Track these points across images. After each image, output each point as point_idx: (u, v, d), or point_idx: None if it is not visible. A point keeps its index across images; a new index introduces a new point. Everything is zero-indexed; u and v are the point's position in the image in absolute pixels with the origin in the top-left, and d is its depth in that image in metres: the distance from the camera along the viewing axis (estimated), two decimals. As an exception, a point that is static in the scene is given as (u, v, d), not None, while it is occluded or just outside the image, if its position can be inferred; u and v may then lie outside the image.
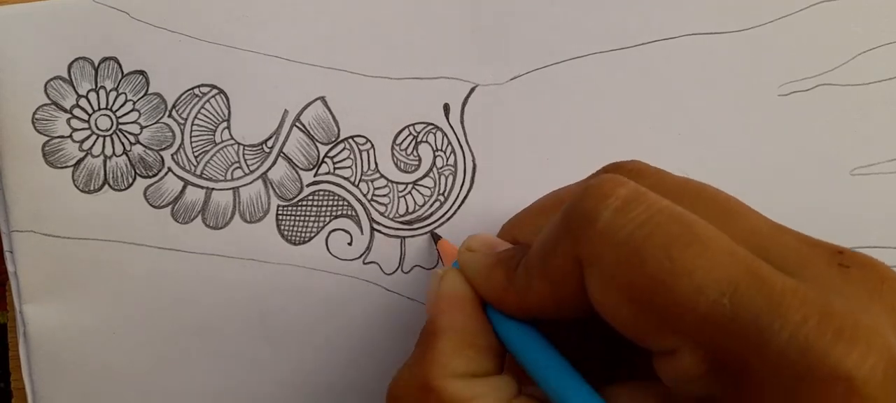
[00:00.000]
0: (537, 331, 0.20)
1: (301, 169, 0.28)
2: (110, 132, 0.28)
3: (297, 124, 0.28)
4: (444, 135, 0.28)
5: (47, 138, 0.28)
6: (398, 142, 0.28)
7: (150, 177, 0.28)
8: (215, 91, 0.28)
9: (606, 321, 0.18)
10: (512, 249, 0.22)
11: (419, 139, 0.28)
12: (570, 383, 0.18)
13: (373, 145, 0.28)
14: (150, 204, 0.28)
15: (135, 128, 0.28)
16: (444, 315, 0.21)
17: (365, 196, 0.28)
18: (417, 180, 0.28)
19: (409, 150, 0.28)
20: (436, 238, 0.28)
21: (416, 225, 0.28)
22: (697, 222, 0.17)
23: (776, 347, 0.15)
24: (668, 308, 0.16)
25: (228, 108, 0.28)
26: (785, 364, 0.15)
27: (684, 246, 0.16)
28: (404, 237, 0.28)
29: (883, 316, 0.16)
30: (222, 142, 0.28)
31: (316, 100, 0.28)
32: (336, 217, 0.28)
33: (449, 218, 0.28)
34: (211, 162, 0.28)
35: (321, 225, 0.28)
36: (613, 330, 0.18)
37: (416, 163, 0.28)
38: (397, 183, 0.28)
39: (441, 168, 0.28)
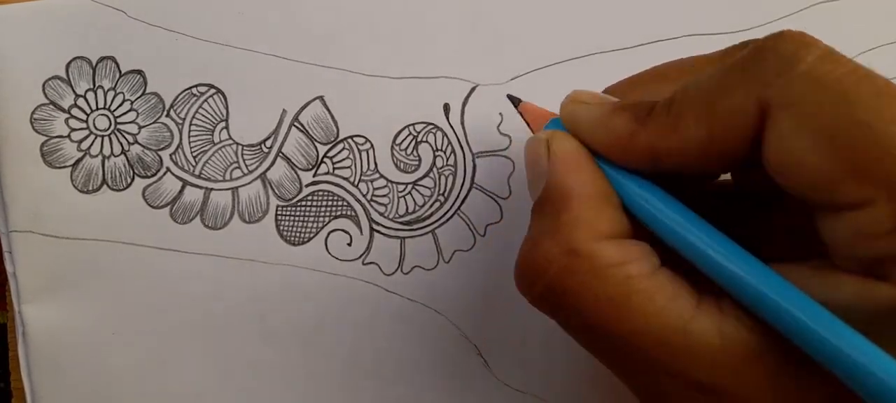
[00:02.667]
0: (666, 194, 0.19)
1: (300, 169, 0.28)
2: (108, 132, 0.28)
3: (296, 124, 0.28)
4: (444, 134, 0.28)
5: (46, 138, 0.28)
6: (398, 141, 0.28)
7: (148, 177, 0.28)
8: (213, 90, 0.28)
9: (777, 174, 0.17)
10: (637, 100, 0.20)
11: (419, 139, 0.28)
12: (720, 244, 0.17)
13: (372, 145, 0.28)
14: (149, 205, 0.28)
15: (133, 128, 0.28)
16: (570, 174, 0.19)
17: (364, 196, 0.28)
18: (417, 180, 0.28)
19: (409, 150, 0.28)
20: (515, 101, 0.25)
21: (415, 226, 0.28)
22: (884, 79, 0.16)
23: None
24: (873, 154, 0.15)
25: (226, 108, 0.28)
26: None
27: (893, 97, 0.15)
28: (404, 237, 0.28)
29: None
30: (221, 142, 0.28)
31: (314, 99, 0.28)
32: (335, 217, 0.28)
33: (449, 219, 0.28)
34: (209, 162, 0.28)
35: (320, 225, 0.28)
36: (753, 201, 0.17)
37: (416, 163, 0.28)
38: (397, 183, 0.28)
39: (441, 168, 0.28)
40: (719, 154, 0.18)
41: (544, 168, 0.20)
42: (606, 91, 0.23)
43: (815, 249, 0.17)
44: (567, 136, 0.20)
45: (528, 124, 0.24)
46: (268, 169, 0.28)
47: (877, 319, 0.16)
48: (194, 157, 0.28)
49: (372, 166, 0.28)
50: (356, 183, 0.28)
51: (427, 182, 0.28)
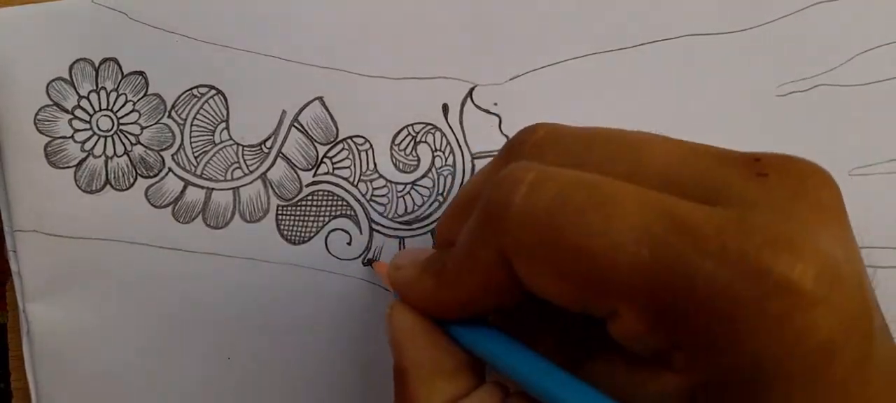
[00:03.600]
0: (500, 331, 0.20)
1: (300, 169, 0.28)
2: (111, 133, 0.28)
3: (296, 124, 0.28)
4: (443, 135, 0.28)
5: (49, 138, 0.28)
6: (397, 142, 0.28)
7: (150, 177, 0.28)
8: (213, 91, 0.28)
9: (547, 300, 0.18)
10: (433, 254, 0.22)
11: (418, 139, 0.28)
12: (544, 374, 0.18)
13: (371, 145, 0.28)
14: (152, 204, 0.28)
15: (135, 129, 0.28)
16: (403, 351, 0.21)
17: (364, 196, 0.29)
18: (416, 180, 0.29)
19: (408, 150, 0.28)
20: (370, 263, 0.28)
21: (415, 226, 0.29)
22: (604, 182, 0.16)
23: (702, 282, 0.15)
24: (593, 273, 0.16)
25: (227, 109, 0.28)
26: (716, 297, 0.15)
27: (595, 209, 0.16)
28: (403, 237, 0.29)
29: (809, 215, 0.15)
30: (221, 142, 0.28)
31: (314, 100, 0.28)
32: (335, 217, 0.29)
33: (447, 219, 0.29)
34: (211, 162, 0.28)
35: (320, 225, 0.29)
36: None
37: (415, 163, 0.28)
38: (396, 183, 0.29)
39: (440, 168, 0.28)
40: (503, 295, 0.19)
41: (390, 342, 0.22)
42: (437, 230, 0.25)
43: None
44: (403, 309, 0.21)
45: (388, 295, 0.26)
46: (268, 169, 0.28)
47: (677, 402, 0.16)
48: (196, 158, 0.28)
49: (371, 166, 0.28)
50: (356, 183, 0.29)
51: (426, 182, 0.28)
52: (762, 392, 0.15)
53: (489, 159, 0.28)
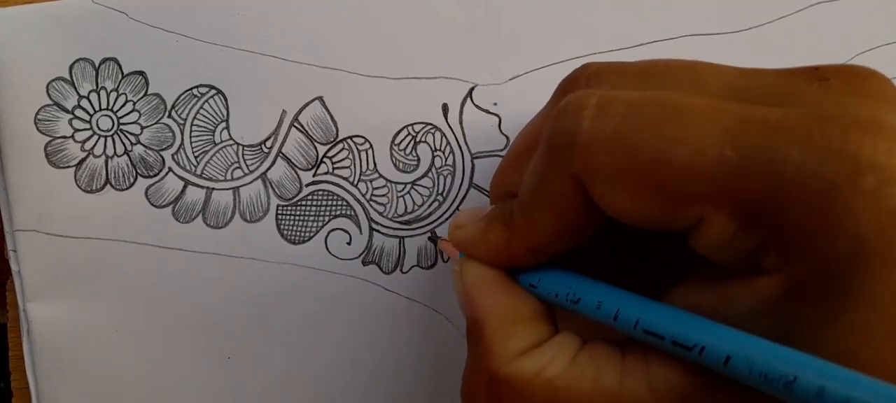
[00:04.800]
0: (572, 272, 0.20)
1: (300, 169, 0.28)
2: (111, 132, 0.28)
3: (296, 124, 0.28)
4: (443, 135, 0.28)
5: (50, 138, 0.28)
6: (397, 142, 0.28)
7: (151, 176, 0.28)
8: (213, 91, 0.28)
9: (627, 223, 0.18)
10: (495, 206, 0.22)
11: (418, 139, 0.28)
12: (625, 304, 0.18)
13: (371, 145, 0.28)
14: (152, 204, 0.28)
15: (135, 129, 0.28)
16: (478, 303, 0.20)
17: (364, 196, 0.29)
18: (416, 180, 0.29)
19: (408, 150, 0.28)
20: (435, 239, 0.28)
21: (414, 225, 0.29)
22: (673, 96, 0.17)
23: (793, 171, 0.15)
24: (678, 182, 0.16)
25: (227, 109, 0.28)
26: (808, 183, 0.15)
27: (670, 121, 0.16)
28: (403, 237, 0.29)
29: (878, 104, 0.16)
30: (222, 142, 0.28)
31: (314, 100, 0.28)
32: (335, 216, 0.29)
33: (448, 219, 0.28)
34: (211, 162, 0.28)
35: (320, 224, 0.29)
36: (641, 233, 0.18)
37: (415, 163, 0.28)
38: (396, 183, 0.29)
39: (440, 168, 0.28)
40: (580, 228, 0.19)
41: (460, 299, 0.21)
42: (491, 186, 0.25)
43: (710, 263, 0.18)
44: (472, 261, 0.21)
45: (450, 258, 0.26)
46: (268, 169, 0.28)
47: (770, 311, 0.16)
48: (196, 157, 0.28)
49: (371, 166, 0.28)
50: (355, 182, 0.29)
51: (426, 182, 0.28)
52: (858, 276, 0.15)
53: (489, 159, 0.28)
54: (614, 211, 0.17)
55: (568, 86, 0.20)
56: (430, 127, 0.28)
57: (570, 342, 0.19)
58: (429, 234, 0.28)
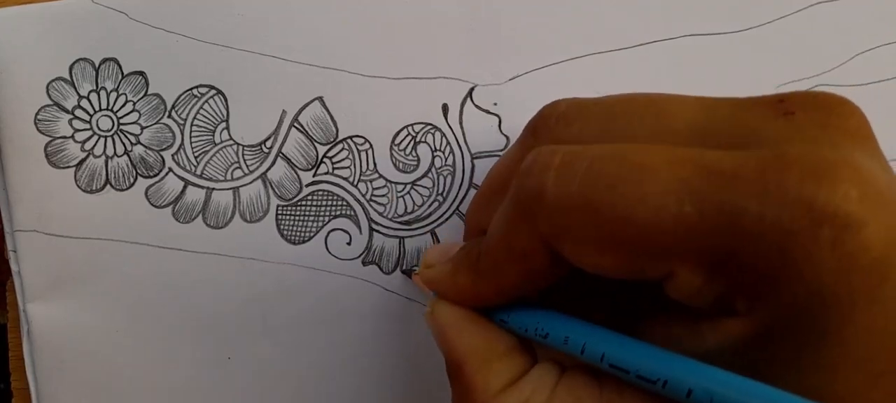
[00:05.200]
0: (540, 308, 0.20)
1: (300, 169, 0.28)
2: (111, 132, 0.28)
3: (296, 124, 0.28)
4: (443, 135, 0.28)
5: (50, 138, 0.28)
6: (397, 142, 0.28)
7: (151, 177, 0.28)
8: (213, 91, 0.28)
9: (600, 275, 0.18)
10: (465, 246, 0.22)
11: (418, 139, 0.28)
12: (590, 339, 0.18)
13: (371, 145, 0.28)
14: (152, 204, 0.28)
15: (135, 129, 0.28)
16: (454, 344, 0.21)
17: (364, 196, 0.29)
18: (416, 180, 0.29)
19: (408, 150, 0.28)
20: (408, 273, 0.28)
21: (414, 226, 0.29)
22: (631, 149, 0.17)
23: (751, 223, 0.15)
24: (641, 240, 0.16)
25: (227, 109, 0.28)
26: (767, 234, 0.15)
27: (628, 178, 0.16)
28: (403, 237, 0.29)
29: (842, 142, 0.16)
30: (222, 142, 0.28)
31: (314, 100, 0.28)
32: (335, 217, 0.29)
33: (447, 219, 0.29)
34: (211, 162, 0.28)
35: (320, 224, 0.29)
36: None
37: (415, 163, 0.28)
38: (396, 183, 0.29)
39: (440, 168, 0.28)
40: (546, 277, 0.19)
41: (437, 340, 0.22)
42: (466, 218, 0.25)
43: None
44: (445, 304, 0.22)
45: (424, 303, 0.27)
46: (268, 169, 0.28)
47: (736, 351, 0.16)
48: (196, 158, 0.28)
49: (371, 166, 0.28)
50: (355, 183, 0.29)
51: (426, 182, 0.28)
52: (823, 320, 0.15)
53: (489, 159, 0.28)
54: (584, 267, 0.18)
55: (536, 126, 0.21)
56: (430, 127, 0.28)
57: (549, 373, 0.19)
58: (404, 267, 0.28)
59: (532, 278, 0.19)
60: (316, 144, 0.28)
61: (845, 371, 0.15)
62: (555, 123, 0.20)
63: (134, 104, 0.28)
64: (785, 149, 0.15)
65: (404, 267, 0.29)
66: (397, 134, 0.28)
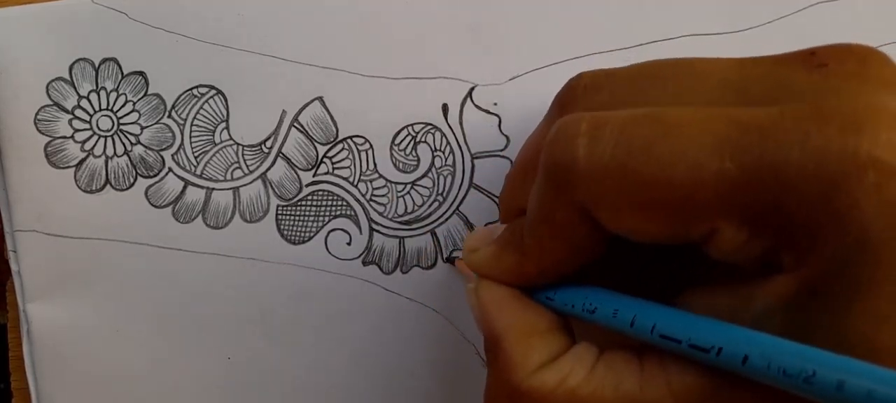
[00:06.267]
0: (585, 284, 0.20)
1: (300, 169, 0.28)
2: (111, 133, 0.28)
3: (296, 124, 0.28)
4: (443, 135, 0.28)
5: (50, 138, 0.28)
6: (397, 142, 0.28)
7: (151, 177, 0.28)
8: (213, 91, 0.28)
9: (641, 241, 0.17)
10: (508, 228, 0.22)
11: (418, 139, 0.28)
12: (641, 312, 0.18)
13: (371, 145, 0.28)
14: (152, 204, 0.28)
15: (135, 129, 0.28)
16: (495, 320, 0.20)
17: (364, 196, 0.29)
18: (416, 180, 0.29)
19: (408, 150, 0.28)
20: (452, 261, 0.28)
21: (414, 226, 0.29)
22: (664, 112, 0.16)
23: (794, 174, 0.15)
24: (682, 200, 0.16)
25: (227, 109, 0.28)
26: (810, 184, 0.15)
27: (664, 139, 0.16)
28: (403, 237, 0.29)
29: (879, 90, 0.15)
30: (221, 142, 0.28)
31: (314, 100, 0.28)
32: (335, 217, 0.29)
33: (447, 219, 0.28)
34: (211, 162, 0.28)
35: (320, 224, 0.29)
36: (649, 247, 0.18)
37: (415, 163, 0.28)
38: (396, 183, 0.29)
39: (440, 168, 0.28)
40: (590, 248, 0.19)
41: (477, 318, 0.21)
42: (500, 200, 0.25)
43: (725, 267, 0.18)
44: (488, 283, 0.21)
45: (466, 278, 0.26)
46: (268, 169, 0.28)
47: (785, 309, 0.16)
48: (196, 158, 0.28)
49: (371, 166, 0.28)
50: (355, 183, 0.29)
51: (426, 182, 0.28)
52: (870, 267, 0.14)
53: (489, 159, 0.28)
54: (624, 232, 0.17)
55: (563, 99, 0.21)
56: (430, 127, 0.28)
57: (588, 352, 0.19)
58: (445, 256, 0.28)
59: (575, 252, 0.19)
60: (316, 144, 0.28)
61: (893, 320, 0.14)
62: (582, 93, 0.20)
63: (134, 104, 0.28)
64: (822, 100, 0.15)
65: (445, 256, 0.28)
66: (397, 134, 0.28)
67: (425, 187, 0.28)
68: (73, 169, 0.28)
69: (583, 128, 0.17)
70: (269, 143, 0.28)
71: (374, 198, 0.29)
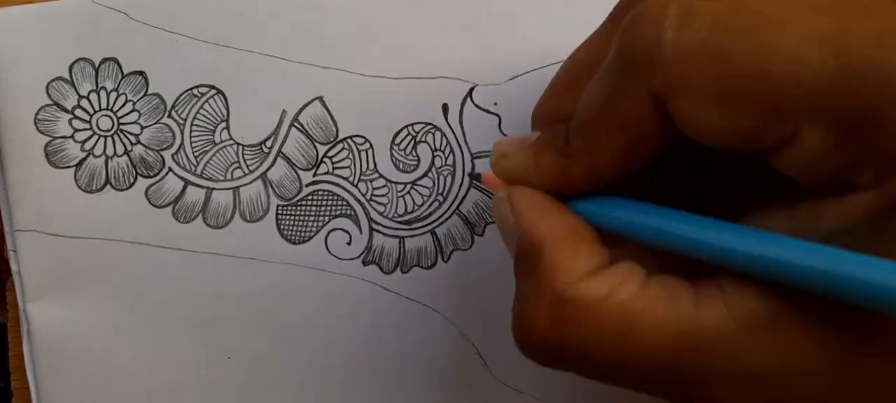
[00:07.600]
0: (628, 199, 0.18)
1: (300, 169, 0.28)
2: (111, 132, 0.28)
3: (296, 124, 0.28)
4: (443, 135, 0.28)
5: (50, 138, 0.28)
6: (397, 142, 0.28)
7: (151, 176, 0.28)
8: (213, 91, 0.28)
9: (708, 144, 0.16)
10: (546, 132, 0.20)
11: (418, 139, 0.28)
12: (702, 226, 0.16)
13: (371, 145, 0.28)
14: (152, 204, 0.28)
15: (135, 129, 0.28)
16: (535, 224, 0.18)
17: (364, 196, 0.29)
18: (416, 180, 0.29)
19: (408, 150, 0.28)
20: (475, 176, 0.26)
21: (414, 225, 0.29)
22: (762, 6, 0.15)
23: None
24: (775, 94, 0.15)
25: (227, 109, 0.28)
26: None
27: (765, 29, 0.15)
28: (403, 237, 0.29)
29: None
30: (222, 142, 0.28)
31: (314, 100, 0.28)
32: (335, 216, 0.29)
33: (447, 219, 0.29)
34: (211, 162, 0.28)
35: (320, 224, 0.29)
36: (700, 162, 0.16)
37: (415, 162, 0.28)
38: (396, 183, 0.29)
39: (440, 168, 0.28)
40: (647, 150, 0.17)
41: (512, 225, 0.19)
42: (535, 112, 0.23)
43: (785, 186, 0.17)
44: (524, 188, 0.20)
45: (492, 192, 0.24)
46: (268, 169, 0.28)
47: (859, 228, 0.15)
48: (196, 157, 0.28)
49: (371, 166, 0.28)
50: (356, 182, 0.29)
51: (426, 182, 0.29)
52: None
53: (489, 159, 0.28)
54: (698, 128, 0.16)
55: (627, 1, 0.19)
56: (430, 127, 0.28)
57: (637, 269, 0.17)
58: (469, 171, 0.27)
59: (632, 153, 0.17)
60: (316, 144, 0.28)
61: None
62: None
63: (134, 104, 0.28)
64: None
65: (470, 171, 0.27)
66: (397, 134, 0.28)
67: (425, 187, 0.28)
68: (73, 169, 0.28)
69: (671, 12, 0.16)
70: (269, 143, 0.28)
71: (374, 197, 0.29)
